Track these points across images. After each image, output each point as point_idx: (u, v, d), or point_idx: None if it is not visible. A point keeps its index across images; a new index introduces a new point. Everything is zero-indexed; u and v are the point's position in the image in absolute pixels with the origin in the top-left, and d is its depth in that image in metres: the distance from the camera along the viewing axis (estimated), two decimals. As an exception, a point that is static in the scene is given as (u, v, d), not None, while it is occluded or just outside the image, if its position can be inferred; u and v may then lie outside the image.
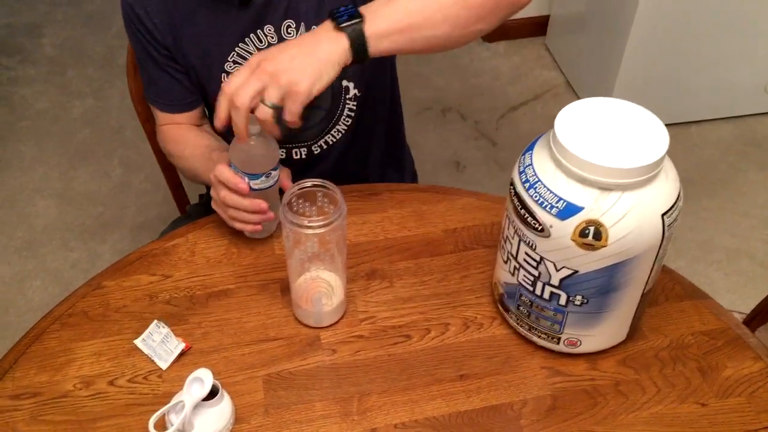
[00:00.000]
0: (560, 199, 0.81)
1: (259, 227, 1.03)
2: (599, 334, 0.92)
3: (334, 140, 1.25)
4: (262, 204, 0.98)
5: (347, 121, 1.22)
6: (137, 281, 1.04)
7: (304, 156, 1.25)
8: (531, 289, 0.90)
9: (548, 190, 0.82)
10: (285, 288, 1.02)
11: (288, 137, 1.23)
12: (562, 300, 0.88)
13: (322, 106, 1.20)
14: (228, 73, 1.15)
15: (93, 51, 2.80)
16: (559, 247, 0.83)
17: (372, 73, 1.22)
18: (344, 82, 1.19)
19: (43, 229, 2.18)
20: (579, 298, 0.87)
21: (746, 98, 2.47)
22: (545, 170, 0.84)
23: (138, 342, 0.96)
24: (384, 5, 0.92)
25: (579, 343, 0.93)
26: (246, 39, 1.12)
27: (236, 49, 1.13)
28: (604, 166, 0.78)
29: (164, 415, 0.84)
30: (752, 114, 2.50)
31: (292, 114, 0.89)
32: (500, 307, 0.98)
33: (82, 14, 2.97)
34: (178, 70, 1.17)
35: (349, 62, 0.91)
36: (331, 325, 0.98)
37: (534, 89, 2.61)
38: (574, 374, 0.94)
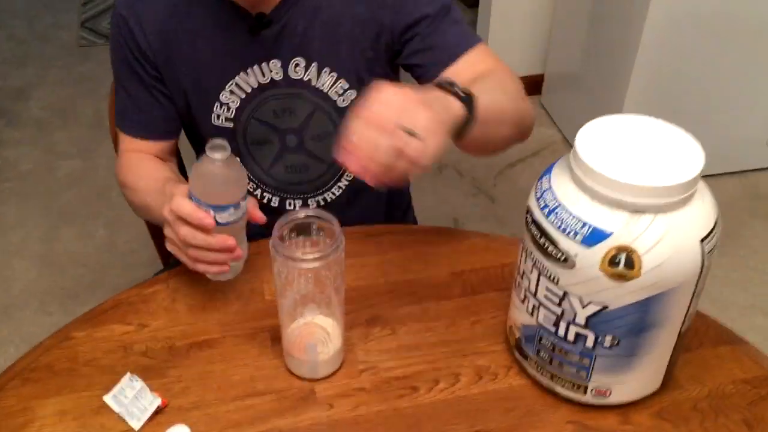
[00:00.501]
0: (585, 224, 0.72)
1: (226, 268, 0.89)
2: (632, 381, 0.81)
3: (334, 197, 1.17)
4: (230, 241, 0.85)
5: (350, 177, 1.15)
6: (110, 331, 0.93)
7: (297, 207, 1.16)
8: (553, 330, 0.80)
9: (571, 214, 0.73)
10: (276, 337, 0.91)
11: (283, 185, 1.15)
12: (590, 342, 0.78)
13: (326, 160, 1.12)
14: (222, 104, 1.08)
15: (82, 113, 2.74)
16: (586, 279, 0.73)
17: None
18: None
19: (20, 292, 2.06)
20: (609, 339, 0.77)
21: (748, 153, 2.42)
22: (566, 193, 0.75)
23: (108, 398, 0.85)
24: (480, 95, 0.87)
25: (609, 392, 0.82)
26: (249, 69, 1.05)
27: (236, 78, 1.06)
28: (635, 184, 0.70)
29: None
30: (756, 169, 2.44)
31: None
32: (517, 354, 0.88)
33: (73, 76, 2.93)
34: (163, 93, 1.09)
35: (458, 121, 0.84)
36: (327, 377, 0.87)
37: (531, 146, 2.55)
38: (605, 429, 0.82)
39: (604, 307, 0.74)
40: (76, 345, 0.92)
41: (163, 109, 1.10)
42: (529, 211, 0.79)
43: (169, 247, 0.91)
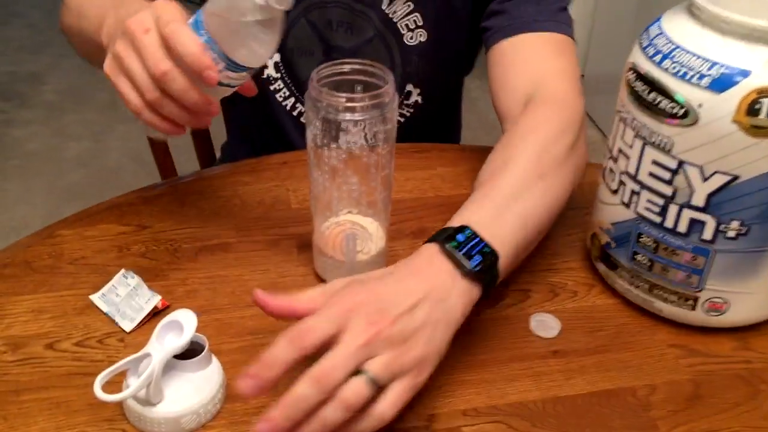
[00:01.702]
0: (714, 63, 0.56)
1: (182, 131, 0.65)
2: (758, 292, 0.64)
3: None
4: (215, 107, 0.63)
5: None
6: (104, 231, 0.77)
7: None
8: (658, 220, 0.63)
9: (694, 55, 0.57)
10: (304, 245, 0.75)
11: None
12: (708, 230, 0.61)
13: None
14: None
15: (95, 97, 2.62)
16: (712, 139, 0.57)
17: (442, 81, 1.00)
18: (408, 86, 0.97)
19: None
20: (735, 225, 0.60)
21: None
22: (685, 34, 0.59)
23: (95, 297, 0.68)
24: (504, 222, 0.62)
25: (726, 307, 0.64)
26: None
27: None
28: (782, 9, 0.54)
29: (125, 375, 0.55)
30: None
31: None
32: (603, 267, 0.71)
33: (88, 65, 2.83)
34: None
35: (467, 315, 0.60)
36: (366, 286, 0.71)
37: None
38: (717, 355, 0.65)
39: (734, 179, 0.58)
40: (62, 243, 0.76)
41: None
42: (631, 68, 0.63)
43: (111, 70, 0.64)
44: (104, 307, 0.67)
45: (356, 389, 0.51)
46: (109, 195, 0.82)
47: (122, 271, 0.70)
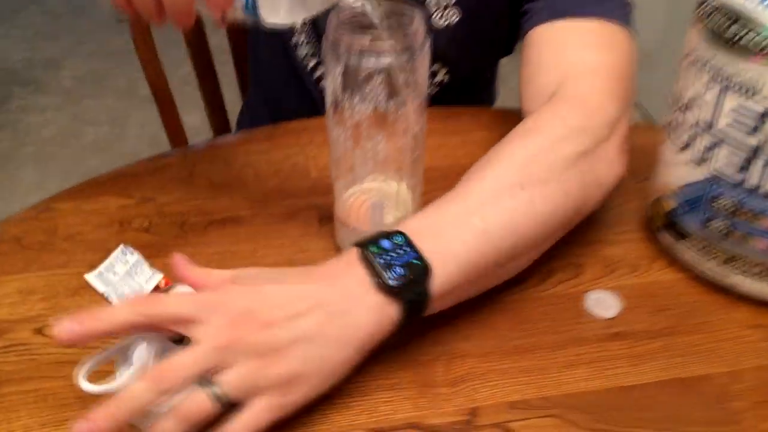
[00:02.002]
0: (813, -15, 0.47)
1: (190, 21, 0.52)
2: None
3: None
4: (191, 20, 0.52)
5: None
6: (104, 204, 0.70)
7: None
8: (739, 178, 0.54)
9: (787, -23, 0.48)
10: (325, 216, 0.66)
11: None
12: (800, 190, 0.52)
13: None
14: None
15: (114, 83, 2.56)
16: (810, 77, 0.48)
17: (473, 62, 0.89)
18: (434, 66, 0.87)
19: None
20: (833, 182, 0.51)
21: None
22: (774, -45, 0.50)
23: (91, 277, 0.61)
24: (457, 233, 0.52)
25: (816, 280, 0.55)
26: None
27: None
28: None
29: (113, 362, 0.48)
30: None
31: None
32: (668, 238, 0.62)
33: (106, 50, 2.77)
34: None
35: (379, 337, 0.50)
36: (396, 261, 0.62)
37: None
38: (807, 337, 0.56)
39: (835, 125, 0.48)
40: (57, 217, 0.68)
41: None
42: (703, 2, 0.53)
43: None
44: (100, 287, 0.60)
45: (198, 402, 0.44)
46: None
47: (121, 246, 0.62)
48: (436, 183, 0.71)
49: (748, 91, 0.51)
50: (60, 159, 2.20)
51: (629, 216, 0.68)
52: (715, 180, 0.55)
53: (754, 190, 0.53)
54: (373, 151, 0.59)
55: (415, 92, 0.56)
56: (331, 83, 0.55)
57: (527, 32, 0.72)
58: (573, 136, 0.58)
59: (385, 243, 0.50)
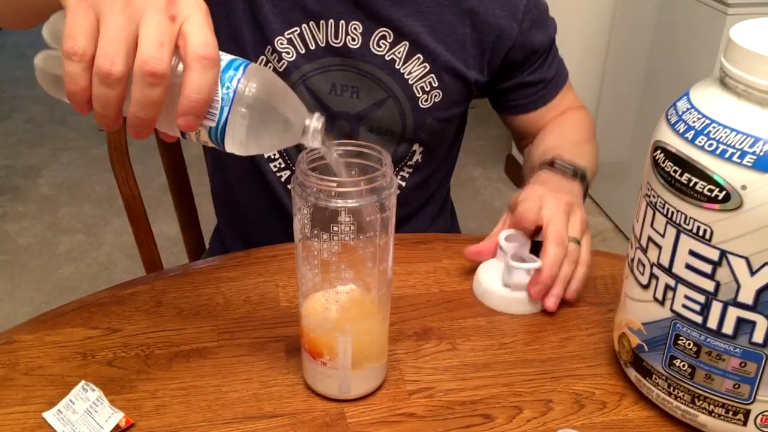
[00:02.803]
0: (758, 139, 0.49)
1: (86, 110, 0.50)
2: (821, 402, 0.55)
3: None
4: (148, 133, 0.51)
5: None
6: (68, 335, 0.69)
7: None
8: (699, 320, 0.54)
9: (731, 130, 0.50)
10: (293, 348, 0.66)
11: None
12: (759, 332, 0.52)
13: None
14: (275, 51, 0.85)
15: (92, 190, 2.58)
16: (761, 225, 0.49)
17: (444, 139, 0.97)
18: (414, 146, 0.92)
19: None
20: (791, 325, 0.51)
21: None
22: (720, 107, 0.52)
23: (49, 415, 0.59)
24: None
25: (782, 421, 0.55)
26: (321, 22, 0.84)
27: (302, 26, 0.84)
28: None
29: None
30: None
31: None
32: (635, 373, 0.62)
33: (86, 158, 2.80)
34: None
35: None
36: (362, 397, 0.61)
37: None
38: (777, 480, 0.55)
39: (788, 271, 0.50)
40: (19, 349, 0.67)
41: None
42: (659, 146, 0.56)
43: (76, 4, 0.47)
44: (59, 427, 0.58)
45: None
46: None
47: (82, 383, 0.61)
48: (404, 313, 0.72)
49: (703, 236, 0.52)
50: (33, 268, 2.18)
51: (597, 347, 0.68)
52: (676, 320, 0.56)
53: (714, 332, 0.54)
54: (340, 287, 0.60)
55: (383, 230, 0.57)
56: (299, 222, 0.56)
57: (521, 115, 0.98)
58: (591, 119, 1.02)
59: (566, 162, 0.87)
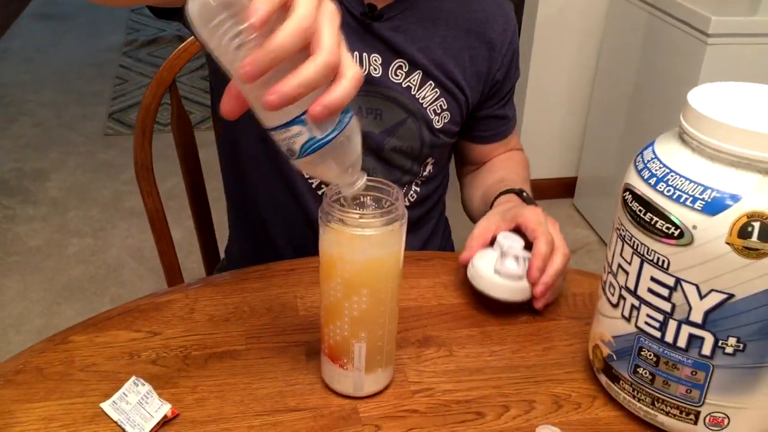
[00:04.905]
0: (706, 188, 0.60)
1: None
2: (757, 407, 0.65)
3: None
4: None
5: (413, 198, 1.08)
6: (115, 337, 0.79)
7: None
8: (658, 335, 0.65)
9: (686, 179, 0.61)
10: (312, 352, 0.76)
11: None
12: (707, 347, 0.63)
13: (395, 174, 1.05)
14: None
15: (99, 194, 2.67)
16: (708, 258, 0.60)
17: (449, 152, 1.12)
18: (428, 160, 1.06)
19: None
20: (732, 341, 0.62)
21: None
22: (677, 159, 0.63)
23: (106, 405, 0.69)
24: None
25: (726, 422, 0.66)
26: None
27: None
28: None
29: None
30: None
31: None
32: (605, 379, 0.72)
33: (94, 162, 2.89)
34: None
35: None
36: (372, 395, 0.72)
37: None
38: (721, 470, 0.66)
39: (729, 297, 0.60)
40: (74, 349, 0.77)
41: None
42: (626, 188, 0.67)
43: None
44: (114, 416, 0.68)
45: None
46: (107, 292, 0.84)
47: (133, 378, 0.71)
48: (407, 323, 0.82)
49: (661, 266, 0.63)
50: (43, 270, 2.27)
51: (574, 357, 0.78)
52: (640, 335, 0.66)
53: (671, 345, 0.64)
54: (358, 301, 0.70)
55: (392, 261, 0.67)
56: (322, 246, 0.67)
57: (479, 145, 1.12)
58: (525, 159, 1.16)
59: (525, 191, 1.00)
